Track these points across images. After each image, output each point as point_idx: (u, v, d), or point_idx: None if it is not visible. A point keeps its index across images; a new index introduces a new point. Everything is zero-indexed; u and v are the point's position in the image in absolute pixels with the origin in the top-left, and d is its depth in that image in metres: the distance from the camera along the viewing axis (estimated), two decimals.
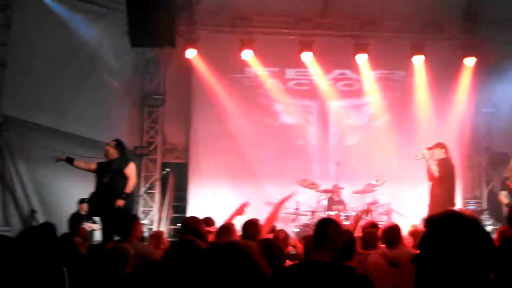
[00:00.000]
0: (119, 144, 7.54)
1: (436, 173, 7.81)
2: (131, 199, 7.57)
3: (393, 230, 4.91)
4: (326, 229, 3.51)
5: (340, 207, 9.29)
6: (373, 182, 9.33)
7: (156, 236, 6.59)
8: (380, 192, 9.38)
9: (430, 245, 1.90)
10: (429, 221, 2.01)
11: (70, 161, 7.60)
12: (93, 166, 7.53)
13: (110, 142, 7.57)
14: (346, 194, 9.67)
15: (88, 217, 8.48)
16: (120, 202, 7.05)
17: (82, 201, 8.60)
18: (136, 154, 10.73)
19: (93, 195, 7.33)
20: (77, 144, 9.68)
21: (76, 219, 8.43)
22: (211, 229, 5.89)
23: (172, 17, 9.52)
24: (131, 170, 7.32)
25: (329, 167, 10.61)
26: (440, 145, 8.13)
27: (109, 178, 7.19)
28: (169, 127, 11.34)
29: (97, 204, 7.17)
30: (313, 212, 9.29)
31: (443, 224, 1.93)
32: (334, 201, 9.48)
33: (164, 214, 10.81)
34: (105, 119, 10.32)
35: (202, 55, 10.95)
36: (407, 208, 9.39)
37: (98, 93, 10.37)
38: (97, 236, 8.56)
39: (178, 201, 11.08)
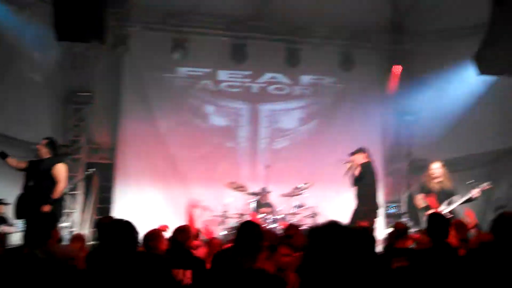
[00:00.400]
0: (50, 143, 7.09)
1: (356, 177, 8.14)
2: (59, 204, 7.01)
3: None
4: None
5: (268, 209, 9.35)
6: (301, 185, 9.46)
7: (78, 238, 6.35)
8: (307, 195, 9.52)
9: (311, 254, 1.91)
10: (310, 232, 2.02)
11: (3, 156, 7.03)
12: (23, 164, 7.02)
13: (42, 141, 7.10)
14: (274, 197, 9.75)
15: (3, 220, 8.01)
16: (46, 208, 6.56)
17: None
18: (59, 153, 10.25)
19: (20, 196, 6.84)
20: None
21: None
22: None
23: (102, 11, 9.16)
24: (59, 172, 6.84)
25: (258, 170, 10.67)
26: (362, 150, 8.44)
27: (35, 179, 6.75)
28: (95, 126, 10.91)
29: (22, 206, 6.71)
30: (241, 215, 9.29)
31: (323, 234, 1.94)
32: (262, 204, 9.53)
33: (87, 216, 10.40)
34: (26, 115, 9.78)
35: (133, 53, 10.71)
36: (333, 211, 9.59)
37: (19, 87, 9.81)
38: (15, 239, 8.11)
39: (102, 203, 10.70)
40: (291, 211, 9.12)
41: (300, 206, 9.18)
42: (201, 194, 9.60)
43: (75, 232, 9.03)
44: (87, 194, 10.50)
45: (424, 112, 11.28)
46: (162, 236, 5.06)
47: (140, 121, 10.63)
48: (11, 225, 8.11)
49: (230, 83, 11.46)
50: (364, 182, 8.19)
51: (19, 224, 8.38)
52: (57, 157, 7.12)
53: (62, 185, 6.90)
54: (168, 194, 10.37)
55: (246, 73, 11.45)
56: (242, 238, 3.81)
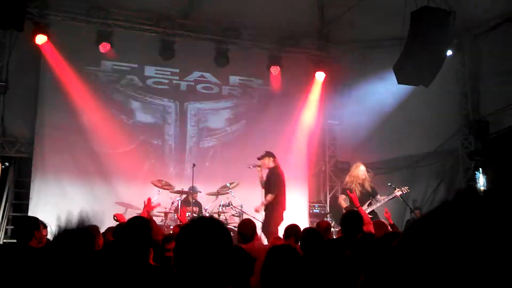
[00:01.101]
0: None
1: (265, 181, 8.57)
2: None
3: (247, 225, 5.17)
4: None
5: (195, 208, 9.27)
6: (227, 184, 9.49)
7: None
8: (233, 194, 9.56)
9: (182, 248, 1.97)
10: (181, 228, 2.12)
11: None
12: None
13: None
14: (201, 196, 9.68)
15: None
16: None
17: None
18: None
19: None
20: None
21: None
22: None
23: None
24: None
25: (185, 168, 10.56)
26: (270, 154, 8.81)
27: None
28: (11, 118, 10.19)
29: None
30: (166, 214, 9.12)
31: (191, 229, 2.02)
32: (190, 203, 9.42)
33: (0, 213, 9.71)
34: None
35: (54, 43, 10.15)
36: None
37: None
38: None
39: (18, 198, 10.04)
40: (218, 210, 9.11)
41: (227, 205, 9.19)
42: (126, 192, 9.32)
43: None
44: (1, 189, 9.79)
45: (347, 117, 11.78)
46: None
47: (61, 115, 10.10)
48: None
49: (157, 80, 11.24)
50: (272, 186, 8.49)
51: None
52: None
53: None
54: (90, 191, 9.95)
55: (174, 70, 11.30)
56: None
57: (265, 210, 8.45)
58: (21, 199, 9.96)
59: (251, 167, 8.75)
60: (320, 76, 11.75)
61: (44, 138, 10.01)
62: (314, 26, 11.95)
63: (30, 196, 9.58)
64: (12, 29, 9.22)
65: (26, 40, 9.91)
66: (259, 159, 8.70)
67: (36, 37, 9.93)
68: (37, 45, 10.01)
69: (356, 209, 6.75)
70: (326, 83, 11.82)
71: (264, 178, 8.65)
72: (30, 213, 8.93)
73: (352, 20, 11.28)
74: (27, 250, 4.41)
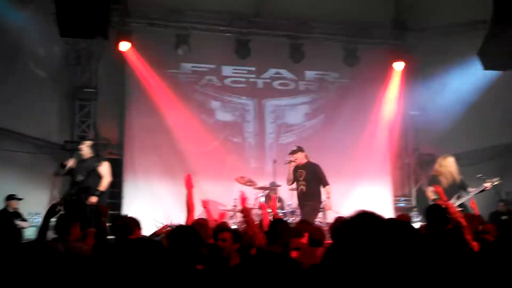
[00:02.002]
0: (94, 146, 7.97)
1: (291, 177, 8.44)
2: (104, 196, 7.83)
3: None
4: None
5: (278, 204, 9.39)
6: None
7: (92, 235, 6.35)
8: None
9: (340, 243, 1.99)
10: (343, 223, 2.09)
11: (63, 166, 7.81)
12: (71, 164, 7.78)
13: (85, 142, 7.93)
14: (283, 191, 9.80)
15: (17, 215, 7.99)
16: (93, 199, 7.37)
17: (10, 197, 8.08)
18: (67, 149, 10.21)
19: (68, 193, 7.67)
20: (2, 138, 9.09)
21: (3, 217, 7.87)
22: None
23: (104, 7, 9.12)
24: (105, 169, 7.67)
25: (266, 165, 10.73)
26: (302, 149, 8.64)
27: (82, 176, 7.50)
28: (102, 122, 10.88)
29: (71, 201, 7.34)
30: (250, 209, 9.31)
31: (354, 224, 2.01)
32: (271, 198, 9.55)
33: None
34: (33, 111, 9.73)
35: (137, 48, 10.65)
36: (340, 205, 9.67)
37: (25, 84, 9.74)
38: (29, 233, 8.09)
39: (112, 198, 10.65)
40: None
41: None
42: (211, 189, 9.61)
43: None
44: None
45: (430, 107, 11.42)
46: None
47: (146, 117, 10.62)
48: (24, 220, 8.10)
49: (234, 79, 11.49)
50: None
51: (33, 219, 8.41)
52: (99, 157, 8.00)
53: (107, 179, 7.73)
54: (177, 189, 10.34)
55: (250, 68, 11.48)
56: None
57: (307, 202, 8.24)
58: (114, 198, 10.54)
59: (286, 163, 8.56)
60: (398, 66, 11.46)
61: (132, 139, 10.58)
62: (389, 15, 11.70)
63: (123, 195, 10.14)
64: (98, 38, 9.76)
65: (112, 48, 10.45)
66: (291, 154, 8.53)
67: (120, 44, 10.42)
68: (121, 52, 10.52)
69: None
70: (405, 73, 11.52)
71: (303, 174, 8.38)
72: (123, 212, 9.44)
73: (429, 6, 10.93)
74: (131, 243, 4.73)
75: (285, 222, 4.69)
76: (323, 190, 8.36)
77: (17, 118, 9.36)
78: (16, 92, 9.50)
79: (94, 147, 7.90)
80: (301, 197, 8.36)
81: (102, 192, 7.62)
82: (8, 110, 9.29)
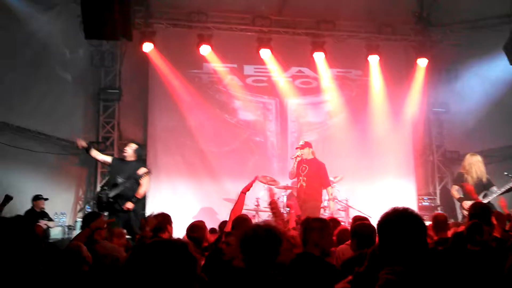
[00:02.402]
0: (138, 150, 8.09)
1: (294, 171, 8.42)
2: (139, 203, 8.08)
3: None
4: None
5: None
6: (331, 178, 9.47)
7: (118, 234, 6.44)
8: (338, 188, 9.54)
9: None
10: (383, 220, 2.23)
11: (88, 149, 7.97)
12: (109, 160, 8.02)
13: (130, 144, 8.06)
14: None
15: (44, 214, 8.19)
16: (129, 205, 7.50)
17: (36, 197, 8.27)
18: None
19: (102, 190, 7.85)
20: (29, 139, 9.32)
21: (31, 217, 8.09)
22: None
23: (127, 9, 9.23)
24: (146, 178, 7.79)
25: (288, 164, 10.69)
26: (309, 145, 8.55)
27: (123, 179, 7.61)
28: (126, 122, 11.05)
29: (106, 201, 7.51)
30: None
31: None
32: (294, 197, 9.55)
33: None
34: (58, 113, 9.97)
35: (159, 49, 10.75)
36: (363, 203, 9.62)
37: (51, 86, 9.98)
38: (55, 233, 8.29)
39: None
40: (323, 204, 9.14)
41: (332, 200, 9.17)
42: (233, 188, 9.64)
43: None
44: None
45: (454, 104, 11.23)
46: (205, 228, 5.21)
47: (169, 117, 10.73)
48: (51, 219, 8.29)
49: (256, 78, 11.49)
50: (325, 179, 8.38)
51: (59, 218, 8.60)
52: (142, 163, 8.19)
53: (145, 189, 7.86)
54: (200, 188, 10.46)
55: (273, 67, 11.46)
56: None
57: (307, 201, 8.16)
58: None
59: (293, 157, 8.49)
60: (422, 62, 11.26)
61: (155, 140, 10.69)
62: (412, 10, 11.49)
63: (146, 195, 10.25)
64: (122, 39, 9.89)
65: (135, 49, 10.59)
66: (298, 148, 8.46)
67: (143, 45, 10.53)
68: (144, 53, 10.64)
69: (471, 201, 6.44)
70: (429, 69, 11.32)
71: (306, 168, 8.34)
72: (147, 211, 9.56)
73: (453, 0, 10.72)
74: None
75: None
76: (324, 190, 8.40)
77: (43, 119, 9.61)
78: (43, 94, 9.74)
79: (137, 151, 7.99)
80: (300, 192, 8.34)
81: (138, 200, 7.73)
82: (35, 112, 9.55)
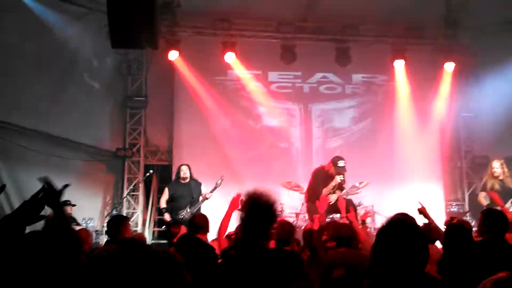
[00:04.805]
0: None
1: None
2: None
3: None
4: None
5: None
6: (357, 184, 9.39)
7: (139, 238, 6.54)
8: (364, 194, 9.44)
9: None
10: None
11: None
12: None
13: (187, 165, 8.72)
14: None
15: (72, 220, 8.34)
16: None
17: (64, 203, 8.41)
18: (119, 156, 10.58)
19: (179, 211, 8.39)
20: (57, 146, 9.55)
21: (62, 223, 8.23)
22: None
23: (153, 18, 9.37)
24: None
25: (312, 170, 10.64)
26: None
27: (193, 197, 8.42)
28: (152, 129, 11.20)
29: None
30: (297, 214, 9.30)
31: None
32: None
33: (148, 216, 10.69)
34: (86, 120, 10.19)
35: (184, 57, 10.87)
36: (389, 209, 9.46)
37: (79, 94, 10.22)
38: None
39: None
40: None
41: (358, 205, 9.08)
42: None
43: (136, 233, 9.28)
44: (147, 195, 10.79)
45: (483, 108, 10.99)
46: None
47: (195, 123, 10.82)
48: (79, 224, 8.44)
49: (280, 84, 11.50)
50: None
51: (87, 224, 8.75)
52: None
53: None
54: (225, 194, 10.43)
55: (296, 73, 11.47)
56: None
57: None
58: None
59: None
60: (449, 66, 11.09)
61: (181, 146, 10.80)
62: (440, 13, 11.31)
63: None
64: (148, 48, 10.06)
65: (160, 56, 10.75)
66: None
67: (169, 53, 10.68)
68: (170, 61, 10.78)
69: (498, 208, 6.27)
70: (457, 74, 11.13)
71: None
72: None
73: (482, 2, 10.50)
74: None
75: None
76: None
77: (71, 126, 9.84)
78: (72, 102, 9.99)
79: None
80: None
81: None
82: (64, 119, 9.78)
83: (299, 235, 7.74)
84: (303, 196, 9.43)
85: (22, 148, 8.78)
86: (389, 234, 2.08)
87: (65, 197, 7.71)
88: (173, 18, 10.92)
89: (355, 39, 11.24)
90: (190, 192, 8.30)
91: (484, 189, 8.08)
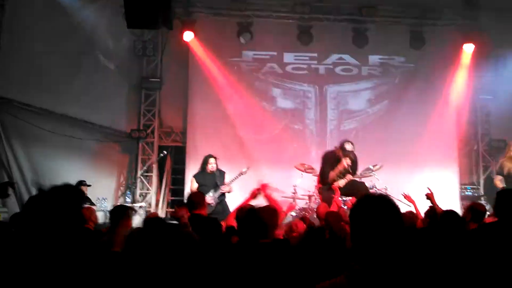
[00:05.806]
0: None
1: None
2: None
3: None
4: None
5: None
6: (370, 167, 9.31)
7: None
8: (377, 177, 9.36)
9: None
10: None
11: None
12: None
13: (214, 157, 8.68)
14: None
15: (87, 199, 8.45)
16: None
17: (80, 183, 8.54)
18: (133, 137, 10.67)
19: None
20: (73, 126, 9.63)
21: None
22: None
23: None
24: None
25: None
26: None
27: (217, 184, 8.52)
28: (166, 110, 11.25)
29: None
30: (309, 197, 9.29)
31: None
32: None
33: (161, 197, 10.79)
34: (101, 101, 10.23)
35: (199, 38, 10.84)
36: (403, 192, 9.36)
37: (95, 75, 10.25)
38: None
39: (175, 184, 11.04)
40: None
41: (370, 188, 9.01)
42: (271, 176, 9.64)
43: (150, 212, 9.40)
44: (160, 176, 10.89)
45: (502, 90, 10.74)
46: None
47: (209, 105, 10.82)
48: (93, 204, 8.56)
49: (296, 65, 11.39)
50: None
51: (101, 203, 8.87)
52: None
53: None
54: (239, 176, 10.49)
55: (312, 55, 11.33)
56: None
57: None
58: (177, 185, 10.91)
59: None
60: (468, 48, 10.84)
61: (195, 127, 10.83)
62: None
63: (185, 182, 10.43)
64: (162, 28, 10.03)
65: (175, 38, 10.72)
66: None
67: (184, 34, 10.65)
68: (185, 42, 10.75)
69: None
70: (476, 55, 10.87)
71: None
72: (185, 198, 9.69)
73: None
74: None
75: None
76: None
77: (87, 107, 9.89)
78: (87, 83, 10.03)
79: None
80: None
81: None
82: (79, 100, 9.85)
83: (312, 216, 7.78)
84: (316, 178, 9.40)
85: (38, 128, 8.86)
86: (364, 206, 2.11)
87: (80, 177, 7.85)
88: None
89: (372, 19, 11.04)
90: (214, 181, 8.49)
91: (500, 172, 7.95)
